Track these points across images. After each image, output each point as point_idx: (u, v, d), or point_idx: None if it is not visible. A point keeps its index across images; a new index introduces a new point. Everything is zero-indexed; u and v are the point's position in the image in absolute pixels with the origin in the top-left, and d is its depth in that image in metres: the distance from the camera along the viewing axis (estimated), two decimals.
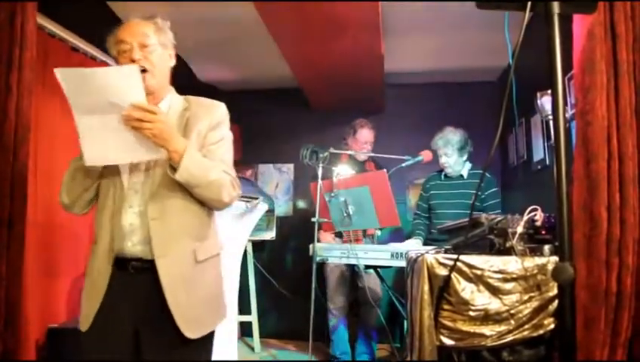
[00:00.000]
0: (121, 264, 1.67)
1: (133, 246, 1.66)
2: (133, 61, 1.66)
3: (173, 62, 1.83)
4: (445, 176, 3.84)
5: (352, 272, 4.06)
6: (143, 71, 1.66)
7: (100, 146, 1.58)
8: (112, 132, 1.54)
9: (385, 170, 3.43)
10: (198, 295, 1.71)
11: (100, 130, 1.54)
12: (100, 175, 1.72)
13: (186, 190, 1.68)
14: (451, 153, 3.69)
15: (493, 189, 3.70)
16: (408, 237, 3.94)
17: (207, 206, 1.78)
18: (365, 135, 4.09)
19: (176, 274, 1.66)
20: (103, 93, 1.48)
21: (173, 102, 1.81)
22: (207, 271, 1.78)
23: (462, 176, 3.78)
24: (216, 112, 1.84)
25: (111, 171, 1.71)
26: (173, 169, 1.62)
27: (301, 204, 5.31)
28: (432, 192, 3.90)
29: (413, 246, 3.48)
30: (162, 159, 1.66)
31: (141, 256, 1.66)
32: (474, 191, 3.65)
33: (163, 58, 1.77)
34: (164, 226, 1.66)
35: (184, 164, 1.60)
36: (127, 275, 1.66)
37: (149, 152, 1.61)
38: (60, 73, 1.46)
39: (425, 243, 3.70)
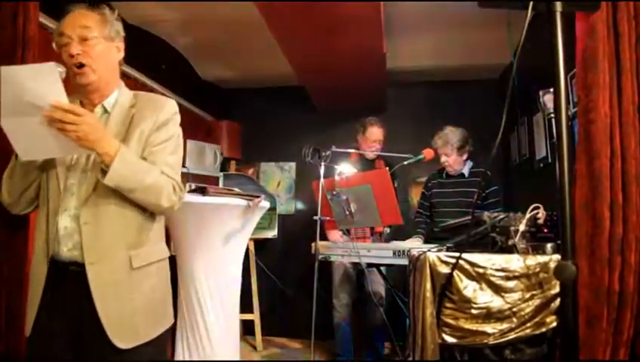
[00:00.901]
0: (58, 267, 1.60)
1: (69, 251, 1.60)
2: (71, 56, 1.59)
3: (120, 55, 1.75)
4: (446, 174, 3.85)
5: (356, 270, 4.06)
6: (82, 66, 1.59)
7: (32, 143, 1.51)
8: (40, 132, 1.47)
9: (387, 168, 3.43)
10: (132, 303, 1.63)
11: (28, 130, 1.47)
12: (39, 173, 1.66)
13: (121, 194, 1.60)
14: (450, 152, 3.70)
15: (494, 188, 3.70)
16: (409, 235, 3.94)
17: (149, 211, 1.70)
18: (375, 133, 4.08)
19: (108, 282, 1.59)
20: (22, 92, 1.42)
21: (120, 98, 1.73)
22: (146, 278, 1.68)
23: (463, 174, 3.78)
24: (163, 111, 1.74)
25: (51, 171, 1.65)
26: (104, 172, 1.55)
27: (303, 203, 5.31)
28: (433, 191, 3.91)
29: (414, 244, 3.48)
30: (99, 161, 1.59)
31: (77, 260, 1.59)
32: (475, 190, 3.66)
33: (107, 52, 1.67)
34: (96, 231, 1.59)
35: (114, 167, 1.53)
36: (62, 278, 1.60)
37: (74, 150, 1.56)
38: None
39: (427, 242, 3.70)
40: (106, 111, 1.72)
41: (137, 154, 1.66)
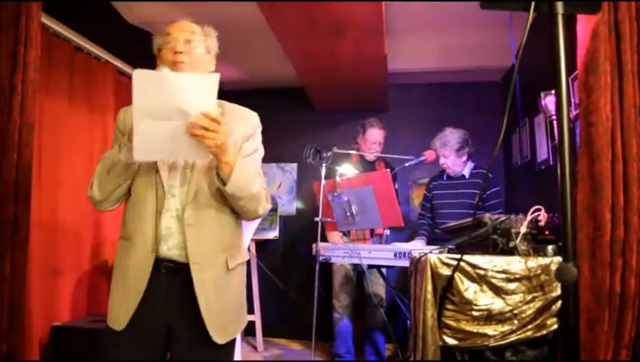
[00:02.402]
0: (157, 265, 1.66)
1: (168, 250, 1.66)
2: (175, 53, 1.68)
3: (212, 67, 1.83)
4: (447, 176, 3.85)
5: (357, 272, 4.07)
6: (182, 63, 1.68)
7: (152, 145, 1.56)
8: (168, 137, 1.52)
9: (388, 169, 3.43)
10: (227, 302, 1.73)
11: (157, 134, 1.52)
12: (133, 174, 1.70)
13: (222, 199, 1.70)
14: (449, 154, 3.71)
15: (495, 189, 3.70)
16: (412, 237, 3.95)
17: (241, 216, 1.80)
18: (375, 135, 4.08)
19: (209, 281, 1.67)
20: (175, 98, 1.47)
21: None
22: (235, 278, 1.79)
23: (464, 176, 3.79)
24: (251, 122, 1.85)
25: (147, 171, 1.70)
26: (221, 179, 1.63)
27: (304, 204, 5.30)
28: (434, 192, 3.92)
29: (415, 246, 3.49)
30: (199, 165, 1.68)
31: (176, 259, 1.66)
32: (476, 191, 3.66)
33: (204, 59, 1.77)
34: (199, 233, 1.67)
35: (234, 177, 1.61)
36: (162, 275, 1.66)
37: (197, 156, 1.62)
38: (137, 73, 1.44)
39: (429, 243, 3.70)
40: None
41: None
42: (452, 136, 3.69)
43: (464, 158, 3.76)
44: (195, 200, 1.68)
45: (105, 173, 1.69)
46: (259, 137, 1.88)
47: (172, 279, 1.67)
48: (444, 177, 3.88)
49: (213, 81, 1.48)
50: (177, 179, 1.70)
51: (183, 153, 1.61)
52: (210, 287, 1.67)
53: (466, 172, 3.79)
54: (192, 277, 1.64)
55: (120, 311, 1.66)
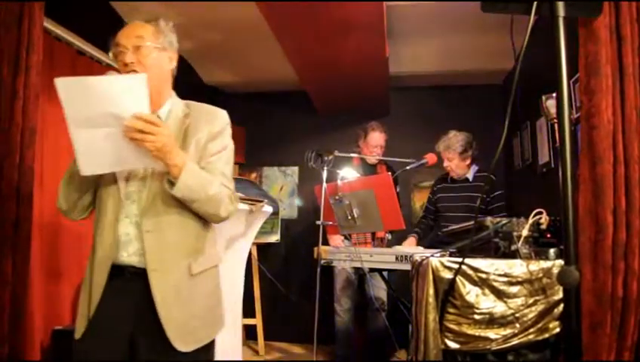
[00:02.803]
0: (117, 272, 1.63)
1: (128, 257, 1.63)
2: (125, 65, 1.63)
3: (173, 65, 1.78)
4: (451, 179, 3.85)
5: (358, 275, 4.06)
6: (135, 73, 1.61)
7: (96, 157, 1.52)
8: (109, 144, 1.48)
9: (389, 173, 3.43)
10: (192, 308, 1.67)
11: (97, 142, 1.48)
12: (96, 180, 1.68)
13: (182, 203, 1.64)
14: (452, 157, 3.70)
15: (498, 192, 3.70)
16: (397, 242, 3.96)
17: (204, 219, 1.74)
18: (376, 138, 4.08)
19: (170, 288, 1.63)
20: (104, 103, 1.42)
21: (173, 107, 1.76)
22: (203, 283, 1.73)
23: (467, 179, 3.78)
24: (217, 121, 1.78)
25: (108, 178, 1.67)
26: (171, 183, 1.58)
27: (305, 207, 5.30)
28: (439, 195, 3.93)
29: (410, 245, 3.49)
30: (159, 170, 1.62)
31: (137, 265, 1.63)
32: (479, 195, 3.65)
33: (160, 61, 1.71)
34: (158, 239, 1.63)
35: (183, 179, 1.56)
36: (122, 282, 1.63)
37: (147, 163, 1.57)
38: (60, 83, 1.40)
39: (432, 246, 3.70)
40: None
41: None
42: (456, 138, 3.69)
43: (468, 161, 3.76)
44: (154, 205, 1.64)
45: (66, 184, 1.68)
46: (227, 136, 1.81)
47: (134, 285, 1.63)
48: (449, 180, 3.89)
49: (140, 81, 1.44)
50: (136, 184, 1.66)
51: (131, 161, 1.55)
52: (171, 294, 1.62)
53: (470, 175, 3.78)
54: (150, 284, 1.60)
55: (80, 320, 1.65)
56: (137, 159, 1.54)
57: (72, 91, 1.42)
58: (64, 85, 1.41)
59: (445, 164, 3.75)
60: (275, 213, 4.58)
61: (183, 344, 1.62)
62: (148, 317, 1.60)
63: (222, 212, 1.70)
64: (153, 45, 1.68)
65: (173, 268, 1.65)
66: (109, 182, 1.67)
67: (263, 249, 4.92)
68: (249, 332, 4.82)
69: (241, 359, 3.29)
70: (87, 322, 1.63)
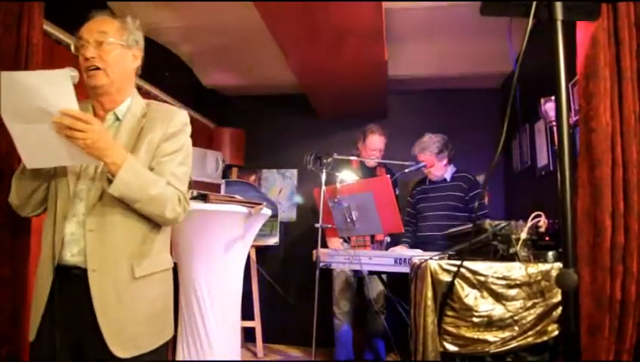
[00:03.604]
0: (63, 272, 1.60)
1: (72, 257, 1.60)
2: (86, 59, 1.61)
3: (137, 63, 1.76)
4: (430, 181, 3.89)
5: (357, 278, 4.06)
6: (96, 69, 1.61)
7: (36, 151, 1.51)
8: (45, 139, 1.46)
9: (389, 175, 3.44)
10: (132, 313, 1.62)
11: (34, 137, 1.46)
12: (48, 176, 1.65)
13: (127, 203, 1.60)
14: (429, 158, 3.73)
15: (477, 191, 3.73)
16: (395, 243, 3.97)
17: (153, 221, 1.70)
18: (375, 142, 4.09)
19: (109, 290, 1.58)
20: (32, 98, 1.40)
21: (133, 106, 1.73)
22: (148, 288, 1.67)
23: (445, 179, 3.83)
24: (173, 121, 1.74)
25: (60, 176, 1.65)
26: (110, 181, 1.55)
27: (304, 210, 5.30)
28: (417, 198, 3.99)
29: (402, 251, 3.51)
30: (101, 168, 1.60)
31: (81, 266, 1.60)
32: (457, 193, 3.73)
33: (123, 58, 1.69)
34: (100, 239, 1.59)
35: (120, 176, 1.53)
36: (68, 284, 1.60)
37: (85, 160, 1.55)
38: (2, 77, 1.39)
39: (412, 248, 3.74)
40: (117, 118, 1.72)
41: (145, 164, 1.67)
42: (431, 140, 3.77)
43: (444, 162, 3.81)
44: (100, 204, 1.60)
45: (17, 179, 1.66)
46: (184, 136, 1.77)
47: (76, 287, 1.59)
48: (427, 182, 3.93)
49: (63, 77, 1.42)
50: (86, 183, 1.64)
51: (68, 157, 1.53)
52: (110, 296, 1.58)
53: (448, 175, 3.83)
54: (89, 284, 1.56)
55: (32, 321, 1.63)
56: (74, 155, 1.51)
57: (11, 85, 1.41)
58: (5, 78, 1.40)
59: (432, 165, 3.77)
60: (274, 216, 4.58)
61: (121, 350, 1.57)
62: (89, 321, 1.56)
63: (167, 213, 1.65)
64: (117, 42, 1.67)
65: (114, 269, 1.60)
66: (61, 180, 1.65)
67: (261, 251, 4.91)
68: (248, 335, 4.81)
69: (239, 361, 3.28)
70: (37, 323, 1.60)
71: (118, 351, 1.56)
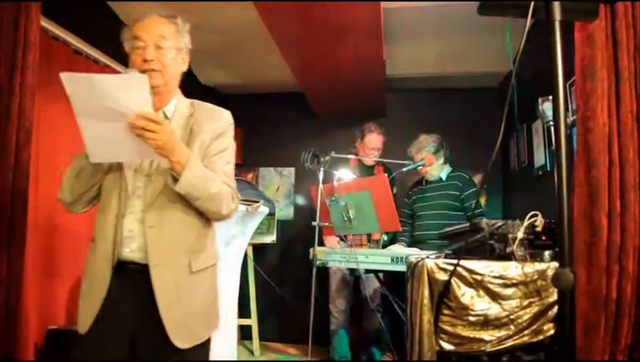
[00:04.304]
0: (120, 267, 1.65)
1: (131, 253, 1.65)
2: (145, 60, 1.66)
3: (185, 67, 1.82)
4: (426, 181, 3.89)
5: (354, 276, 4.06)
6: (153, 70, 1.66)
7: (104, 147, 1.57)
8: (116, 136, 1.53)
9: (386, 174, 3.44)
10: (190, 305, 1.69)
11: (104, 134, 1.53)
12: (104, 175, 1.70)
13: (186, 200, 1.66)
14: (427, 158, 3.74)
15: (472, 189, 3.74)
16: (392, 242, 3.98)
17: (206, 217, 1.77)
18: (373, 140, 4.09)
19: (170, 284, 1.65)
20: (107, 100, 1.46)
21: (179, 106, 1.79)
22: (202, 282, 1.75)
23: (441, 178, 3.83)
24: (221, 121, 1.82)
25: (114, 173, 1.70)
26: (175, 179, 1.61)
27: (301, 208, 5.30)
28: (413, 198, 3.99)
29: (399, 249, 3.51)
30: (163, 165, 1.65)
31: (139, 261, 1.65)
32: (453, 192, 3.74)
33: (175, 61, 1.75)
34: (160, 235, 1.65)
35: (186, 176, 1.59)
36: (125, 278, 1.65)
37: (153, 156, 1.61)
38: (65, 77, 1.45)
39: (408, 246, 3.75)
40: (166, 117, 1.76)
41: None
42: (426, 141, 3.78)
43: (441, 161, 3.81)
44: (158, 201, 1.66)
45: (74, 177, 1.69)
46: (230, 136, 1.85)
47: (134, 281, 1.65)
48: (423, 182, 3.94)
49: (141, 81, 1.47)
50: (143, 180, 1.69)
51: (137, 153, 1.59)
52: (171, 290, 1.64)
53: (443, 175, 3.84)
54: (152, 279, 1.62)
55: (84, 315, 1.66)
56: (143, 152, 1.57)
57: (78, 86, 1.47)
58: (69, 80, 1.45)
59: (431, 164, 3.78)
60: (272, 214, 4.58)
61: (181, 341, 1.64)
62: (148, 314, 1.62)
63: (224, 210, 1.73)
64: (173, 45, 1.73)
65: (174, 264, 1.67)
66: (115, 177, 1.70)
67: (258, 249, 4.91)
68: (244, 333, 4.82)
69: (236, 359, 3.28)
70: (92, 317, 1.64)
71: (179, 342, 1.63)
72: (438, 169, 3.82)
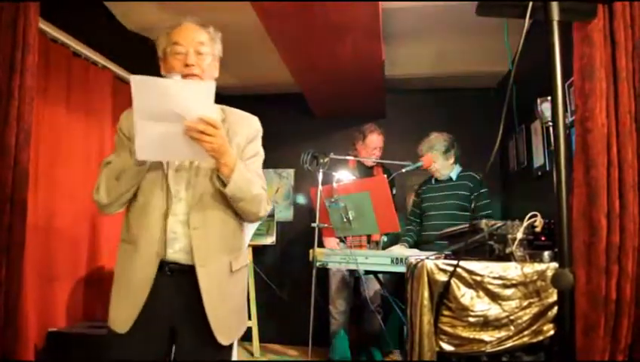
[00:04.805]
0: (163, 267, 1.70)
1: (174, 253, 1.70)
2: (186, 65, 1.72)
3: (217, 73, 1.87)
4: (435, 180, 3.88)
5: (354, 277, 4.06)
6: (194, 75, 1.72)
7: (154, 145, 1.60)
8: (169, 137, 1.57)
9: (386, 175, 3.44)
10: (230, 303, 1.76)
11: (158, 134, 1.56)
12: (142, 178, 1.73)
13: (226, 202, 1.72)
14: (436, 157, 3.73)
15: (483, 190, 3.73)
16: (394, 243, 3.97)
17: (243, 218, 1.83)
18: (375, 140, 4.10)
19: (214, 283, 1.70)
20: (172, 103, 1.51)
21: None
22: (239, 281, 1.83)
23: (451, 178, 3.82)
24: (253, 126, 1.90)
25: (154, 175, 1.73)
26: (221, 181, 1.66)
27: (301, 210, 5.30)
28: (423, 196, 3.97)
29: (399, 250, 3.50)
30: (204, 169, 1.72)
31: (182, 262, 1.70)
32: (463, 192, 3.71)
33: (211, 67, 1.82)
34: (205, 236, 1.70)
35: (234, 178, 1.65)
36: (168, 278, 1.69)
37: (199, 157, 1.66)
38: (135, 79, 1.49)
39: (417, 248, 3.72)
40: None
41: None
42: (438, 139, 3.76)
43: (451, 161, 3.80)
44: (201, 203, 1.71)
45: (113, 179, 1.71)
46: (259, 140, 1.92)
47: (177, 281, 1.70)
48: (433, 181, 3.91)
49: (209, 88, 1.53)
50: (183, 182, 1.74)
51: (185, 154, 1.64)
52: (215, 289, 1.70)
53: (454, 174, 3.82)
54: (198, 279, 1.67)
55: (124, 314, 1.68)
56: (193, 153, 1.62)
57: (145, 88, 1.51)
58: (138, 82, 1.50)
59: (429, 164, 3.77)
60: (271, 216, 4.58)
61: (223, 337, 1.71)
62: (191, 312, 1.68)
63: (262, 211, 1.80)
64: (210, 52, 1.81)
65: (218, 264, 1.73)
66: (155, 179, 1.73)
67: (258, 251, 4.91)
68: (244, 334, 4.80)
69: (236, 361, 3.28)
70: (134, 316, 1.66)
71: (222, 339, 1.71)
72: (447, 168, 3.79)
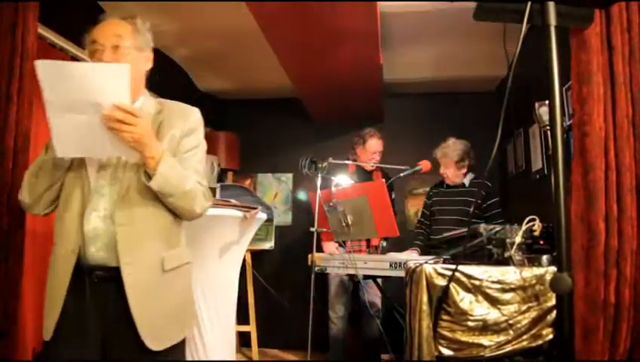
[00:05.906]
0: (84, 271, 1.60)
1: (96, 252, 1.60)
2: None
3: (149, 65, 1.78)
4: (447, 185, 3.87)
5: (352, 282, 4.06)
6: None
7: (73, 141, 1.51)
8: (87, 130, 1.47)
9: (385, 179, 3.44)
10: (164, 305, 1.66)
11: (75, 127, 1.47)
12: (63, 174, 1.66)
13: (156, 197, 1.63)
14: (449, 165, 3.72)
15: (495, 199, 3.72)
16: (407, 247, 3.95)
17: (177, 215, 1.73)
18: (374, 145, 4.10)
19: (142, 283, 1.60)
20: (84, 90, 1.41)
21: (145, 104, 1.76)
22: (175, 280, 1.72)
23: (463, 184, 3.80)
24: (191, 118, 1.79)
25: (76, 171, 1.66)
26: (148, 175, 1.58)
27: (299, 214, 5.30)
28: (433, 200, 3.94)
29: (409, 256, 3.49)
30: (132, 163, 1.63)
31: (104, 263, 1.60)
32: (474, 200, 3.67)
33: (137, 61, 1.70)
34: (131, 233, 1.61)
35: (160, 171, 1.56)
36: (89, 279, 1.60)
37: (124, 153, 1.57)
38: (41, 65, 1.39)
39: (426, 252, 3.70)
40: None
41: None
42: (453, 147, 3.73)
43: (464, 170, 3.77)
44: (127, 198, 1.62)
45: (33, 177, 1.66)
46: (200, 134, 1.82)
47: (103, 285, 1.60)
48: (444, 186, 3.90)
49: (122, 71, 1.43)
50: (108, 177, 1.65)
51: (107, 149, 1.55)
52: (143, 289, 1.60)
53: (466, 181, 3.80)
54: (123, 277, 1.57)
55: (47, 319, 1.62)
56: (114, 147, 1.53)
57: (53, 75, 1.42)
58: (45, 68, 1.41)
59: (442, 170, 3.77)
60: (270, 220, 4.57)
61: (155, 342, 1.60)
62: (118, 315, 1.58)
63: (197, 208, 1.71)
64: (132, 45, 1.68)
65: (147, 262, 1.63)
66: (77, 176, 1.66)
67: (257, 255, 4.90)
68: (243, 339, 4.80)
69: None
70: (54, 324, 1.59)
71: (152, 344, 1.59)
72: (459, 178, 3.78)
